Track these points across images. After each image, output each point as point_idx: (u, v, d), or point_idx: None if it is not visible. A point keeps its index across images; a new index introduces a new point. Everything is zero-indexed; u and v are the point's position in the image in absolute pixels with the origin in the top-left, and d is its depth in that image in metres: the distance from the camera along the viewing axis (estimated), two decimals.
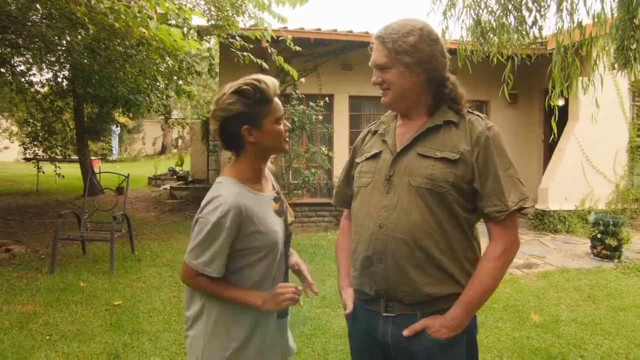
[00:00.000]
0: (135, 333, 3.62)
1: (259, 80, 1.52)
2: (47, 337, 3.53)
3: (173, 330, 3.68)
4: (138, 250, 6.04)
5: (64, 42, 6.53)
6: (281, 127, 1.57)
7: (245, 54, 5.50)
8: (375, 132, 1.63)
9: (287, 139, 1.62)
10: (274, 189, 1.69)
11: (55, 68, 8.93)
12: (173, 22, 4.57)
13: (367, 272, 1.49)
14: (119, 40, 5.71)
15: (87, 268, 5.26)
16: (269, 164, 1.72)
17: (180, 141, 27.80)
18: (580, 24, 3.00)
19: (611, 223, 6.03)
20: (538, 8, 2.86)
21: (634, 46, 2.86)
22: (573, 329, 3.83)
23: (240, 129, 1.51)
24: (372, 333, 1.50)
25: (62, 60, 8.06)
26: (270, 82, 1.55)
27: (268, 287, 1.55)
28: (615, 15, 2.90)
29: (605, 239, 6.04)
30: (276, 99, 1.57)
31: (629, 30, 2.84)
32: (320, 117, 7.72)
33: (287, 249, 1.66)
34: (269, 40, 5.53)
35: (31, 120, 10.43)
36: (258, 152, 1.57)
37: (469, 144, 1.42)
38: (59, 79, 9.47)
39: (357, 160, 1.64)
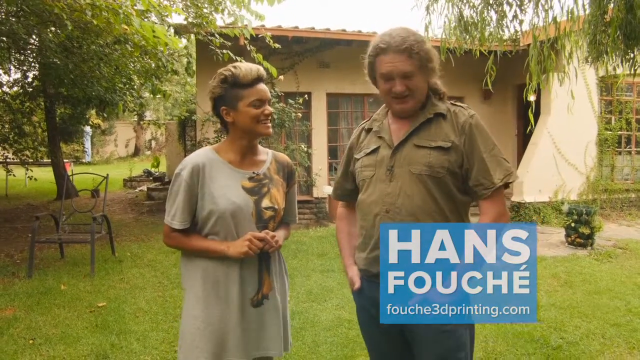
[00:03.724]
0: (122, 333, 3.57)
1: (235, 67, 1.68)
2: (31, 341, 3.45)
3: (161, 329, 3.65)
4: (118, 251, 5.94)
5: (34, 40, 6.34)
6: (256, 110, 1.67)
7: (224, 51, 5.48)
8: (369, 129, 1.74)
9: (264, 122, 1.71)
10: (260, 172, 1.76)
11: (24, 67, 8.67)
12: (153, 19, 4.52)
13: (374, 254, 1.58)
14: (93, 38, 5.59)
15: (66, 271, 5.14)
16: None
17: (154, 142, 27.36)
18: (555, 19, 3.12)
19: (584, 212, 6.26)
20: (518, 3, 2.97)
21: (605, 40, 3.00)
22: (553, 313, 3.97)
23: (220, 110, 1.71)
24: (378, 305, 1.54)
25: (31, 59, 7.83)
26: (247, 68, 1.68)
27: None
28: (588, 11, 3.04)
29: (579, 228, 6.26)
30: (258, 84, 1.69)
31: (601, 25, 2.97)
32: (300, 115, 7.74)
33: (260, 229, 1.73)
34: (248, 37, 5.51)
35: None
36: (238, 132, 1.72)
37: (456, 133, 1.57)
38: (29, 79, 9.21)
39: (356, 156, 1.74)
